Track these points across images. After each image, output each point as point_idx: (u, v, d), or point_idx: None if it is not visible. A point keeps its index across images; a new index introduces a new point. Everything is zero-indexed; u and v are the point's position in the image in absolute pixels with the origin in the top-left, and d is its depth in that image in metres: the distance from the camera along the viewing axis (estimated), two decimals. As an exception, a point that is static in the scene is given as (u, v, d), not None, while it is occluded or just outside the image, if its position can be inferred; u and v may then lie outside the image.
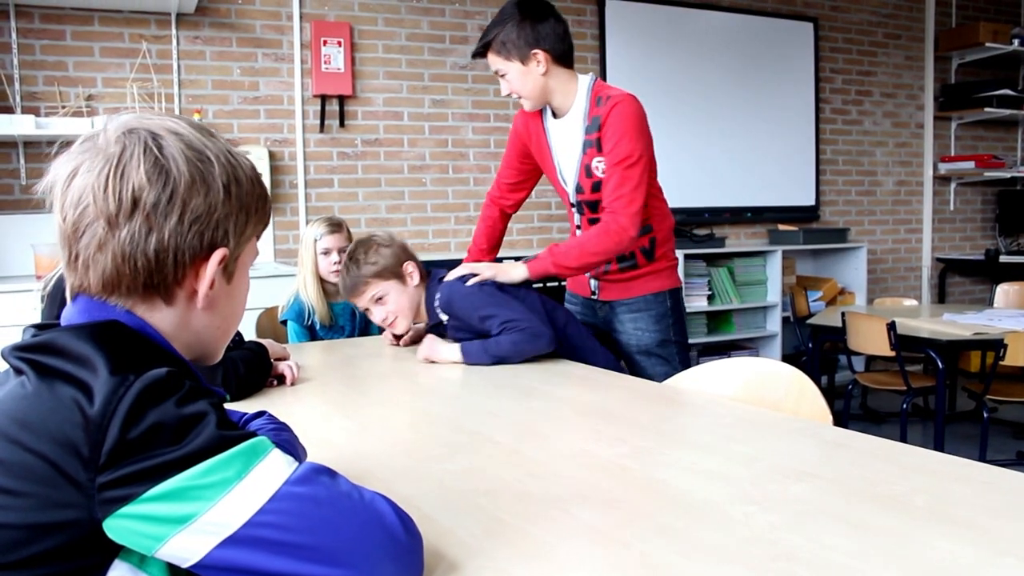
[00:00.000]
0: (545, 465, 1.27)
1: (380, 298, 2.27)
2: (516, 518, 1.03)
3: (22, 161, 3.81)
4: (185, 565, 0.75)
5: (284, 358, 2.02)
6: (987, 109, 6.04)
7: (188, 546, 0.73)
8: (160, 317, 0.87)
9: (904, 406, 3.83)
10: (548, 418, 1.59)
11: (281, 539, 0.74)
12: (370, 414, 1.68)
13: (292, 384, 1.91)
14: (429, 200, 4.66)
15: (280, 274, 3.77)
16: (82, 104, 3.91)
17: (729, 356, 3.38)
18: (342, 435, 1.50)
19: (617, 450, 1.33)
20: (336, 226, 2.98)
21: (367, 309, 2.32)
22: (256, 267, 3.97)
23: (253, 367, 1.84)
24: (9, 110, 3.78)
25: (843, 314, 3.86)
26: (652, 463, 1.27)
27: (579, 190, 2.47)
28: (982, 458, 3.75)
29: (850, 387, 4.30)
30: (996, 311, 4.26)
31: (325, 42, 4.35)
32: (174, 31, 4.09)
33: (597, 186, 2.40)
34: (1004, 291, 4.79)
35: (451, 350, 2.16)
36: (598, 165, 2.37)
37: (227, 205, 0.87)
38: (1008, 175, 6.29)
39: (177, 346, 0.88)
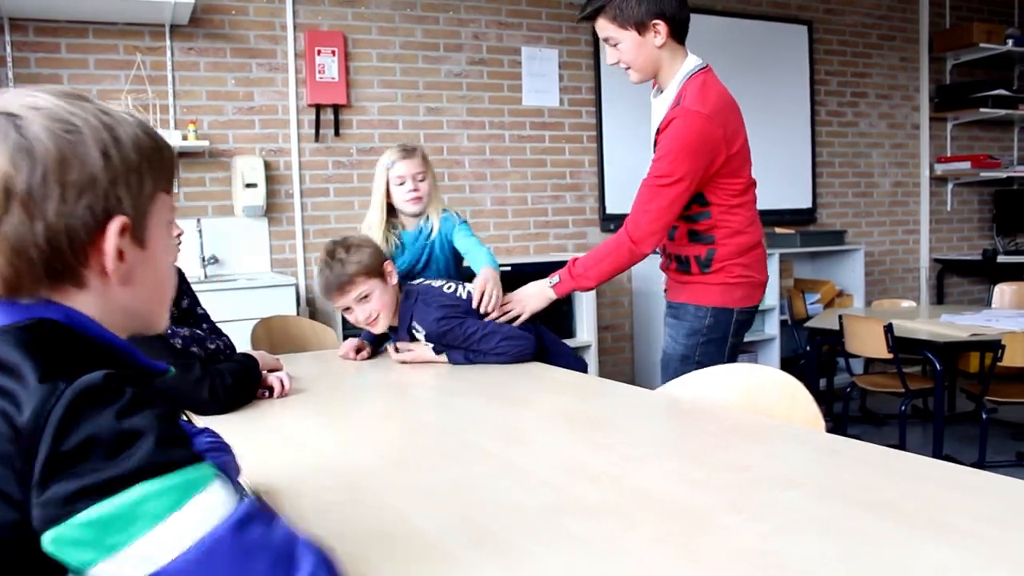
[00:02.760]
0: (535, 475, 1.27)
1: (365, 296, 2.28)
2: (506, 529, 1.03)
3: (17, 174, 3.81)
4: None
5: (276, 369, 2.01)
6: (982, 109, 6.04)
7: (116, 573, 0.68)
8: (79, 303, 0.80)
9: (902, 408, 3.83)
10: (539, 427, 1.58)
11: None
12: (361, 425, 1.68)
13: (283, 396, 1.91)
14: (425, 208, 4.66)
15: (277, 284, 3.76)
16: (77, 116, 3.91)
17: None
18: (333, 446, 1.50)
19: (607, 459, 1.33)
20: (409, 151, 2.72)
21: (347, 308, 2.30)
22: (252, 277, 3.97)
23: (242, 379, 1.83)
24: (4, 123, 3.77)
25: (840, 317, 3.85)
26: (642, 472, 1.26)
27: None
28: (981, 459, 3.75)
29: (848, 390, 4.29)
30: (994, 311, 4.26)
31: (319, 52, 4.35)
32: (168, 42, 4.09)
33: (701, 214, 2.33)
34: (1001, 291, 4.79)
35: (430, 350, 2.30)
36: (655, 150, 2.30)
37: (110, 170, 0.79)
38: (1004, 175, 6.29)
39: (110, 328, 0.82)
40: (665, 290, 2.54)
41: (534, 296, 2.35)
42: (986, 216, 6.61)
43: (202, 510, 0.70)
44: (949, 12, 6.34)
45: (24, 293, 0.78)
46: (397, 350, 2.34)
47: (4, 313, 0.78)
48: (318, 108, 4.38)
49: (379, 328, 2.34)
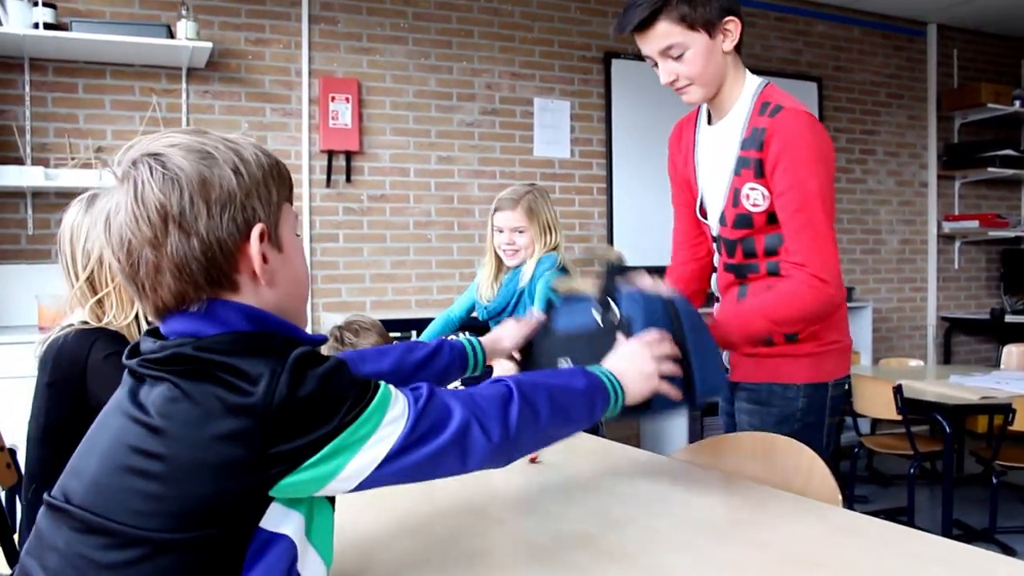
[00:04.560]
0: (551, 551, 1.24)
1: None
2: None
3: (30, 211, 3.83)
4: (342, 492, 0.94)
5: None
6: (990, 169, 6.07)
7: (337, 487, 0.92)
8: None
9: (911, 471, 3.79)
10: (555, 495, 1.56)
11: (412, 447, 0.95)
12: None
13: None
14: (434, 256, 4.67)
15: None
16: (91, 156, 3.94)
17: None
18: (344, 509, 1.47)
19: (625, 534, 1.30)
20: (512, 202, 2.69)
21: None
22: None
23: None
24: (19, 161, 3.80)
25: (848, 376, 3.82)
26: (661, 549, 1.24)
27: (722, 221, 1.93)
28: (992, 525, 3.70)
29: (856, 449, 4.25)
30: (1003, 373, 4.23)
31: (333, 98, 4.39)
32: (184, 85, 4.13)
33: (744, 221, 1.88)
34: (1009, 352, 4.76)
35: None
36: (750, 194, 1.83)
37: (243, 186, 0.93)
38: (1012, 234, 6.30)
39: None
40: (726, 369, 2.00)
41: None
42: (994, 275, 6.60)
43: (388, 424, 0.93)
44: (957, 72, 6.40)
45: (191, 302, 0.93)
46: None
47: (195, 323, 0.93)
48: (330, 154, 4.41)
49: None
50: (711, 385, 1.45)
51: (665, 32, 1.78)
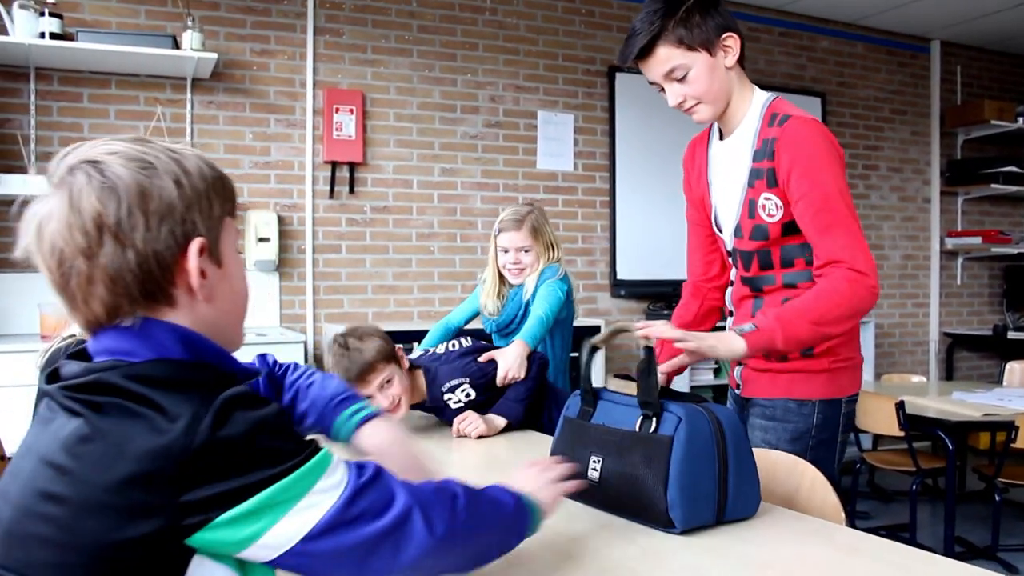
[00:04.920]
0: (549, 566, 1.23)
1: (388, 381, 2.21)
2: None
3: (33, 221, 3.83)
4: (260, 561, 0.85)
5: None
6: (993, 185, 6.07)
7: (257, 554, 0.84)
8: (174, 321, 0.91)
9: (913, 488, 3.77)
10: (559, 512, 1.55)
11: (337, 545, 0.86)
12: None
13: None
14: (436, 268, 4.67)
15: (286, 340, 3.75)
16: (95, 166, 3.94)
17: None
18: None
19: (627, 552, 1.29)
20: (517, 222, 2.74)
21: (370, 396, 2.19)
22: (262, 332, 3.96)
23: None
24: (23, 170, 3.81)
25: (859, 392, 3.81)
26: (662, 567, 1.23)
27: (738, 233, 1.94)
28: (995, 543, 3.69)
29: (858, 465, 4.24)
30: (1005, 390, 4.22)
31: (337, 109, 4.40)
32: (189, 95, 4.14)
33: (760, 233, 1.88)
34: (1012, 369, 4.75)
35: (493, 419, 2.26)
36: (765, 203, 1.85)
37: (184, 198, 0.90)
38: (1015, 251, 6.29)
39: None
40: (737, 385, 2.07)
41: (719, 345, 1.77)
42: (996, 291, 6.59)
43: (322, 492, 0.85)
44: (960, 88, 6.41)
45: (125, 315, 0.88)
46: (459, 431, 2.25)
47: (127, 341, 0.88)
48: (334, 165, 4.42)
49: (401, 412, 2.26)
50: (743, 509, 1.44)
51: (665, 56, 1.83)
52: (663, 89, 1.92)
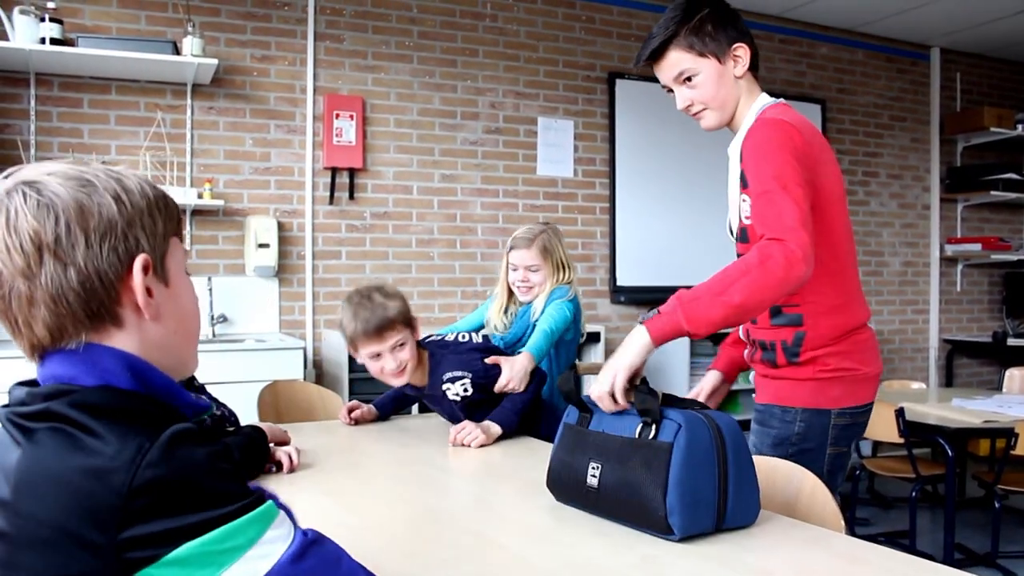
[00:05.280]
0: (553, 575, 1.23)
1: (401, 344, 2.22)
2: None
3: (32, 226, 3.83)
4: None
5: (284, 442, 1.99)
6: (993, 192, 6.08)
7: None
8: (120, 342, 0.88)
9: (913, 494, 3.77)
10: (555, 519, 1.55)
11: None
12: (371, 508, 1.65)
13: (291, 471, 1.88)
14: (436, 274, 4.67)
15: (285, 346, 3.74)
16: (95, 171, 3.94)
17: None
18: (341, 532, 1.46)
19: (625, 559, 1.29)
20: (528, 240, 2.77)
21: (377, 356, 2.20)
22: (261, 338, 3.96)
23: (249, 453, 1.80)
24: (22, 176, 3.80)
25: (865, 406, 3.80)
26: (662, 574, 1.23)
27: (733, 235, 2.00)
28: (994, 550, 3.68)
29: (857, 472, 4.23)
30: (1005, 397, 4.22)
31: (337, 115, 4.40)
32: (189, 101, 4.15)
33: (743, 235, 1.91)
34: (1011, 376, 4.75)
35: (490, 427, 2.23)
36: (742, 205, 1.88)
37: (125, 214, 0.88)
38: (1015, 258, 6.30)
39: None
40: (754, 391, 2.08)
41: (620, 353, 1.61)
42: (996, 298, 6.59)
43: (270, 543, 0.81)
44: (960, 95, 6.41)
45: (70, 337, 0.86)
46: (457, 440, 2.23)
47: (72, 366, 0.85)
48: (334, 171, 4.42)
49: (403, 380, 2.27)
50: (743, 517, 1.44)
51: (676, 60, 1.89)
52: (672, 92, 1.97)
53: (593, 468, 1.50)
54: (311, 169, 4.39)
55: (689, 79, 1.90)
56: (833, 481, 1.92)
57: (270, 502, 0.84)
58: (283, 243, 4.30)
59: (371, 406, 2.59)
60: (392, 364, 2.21)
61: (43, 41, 3.61)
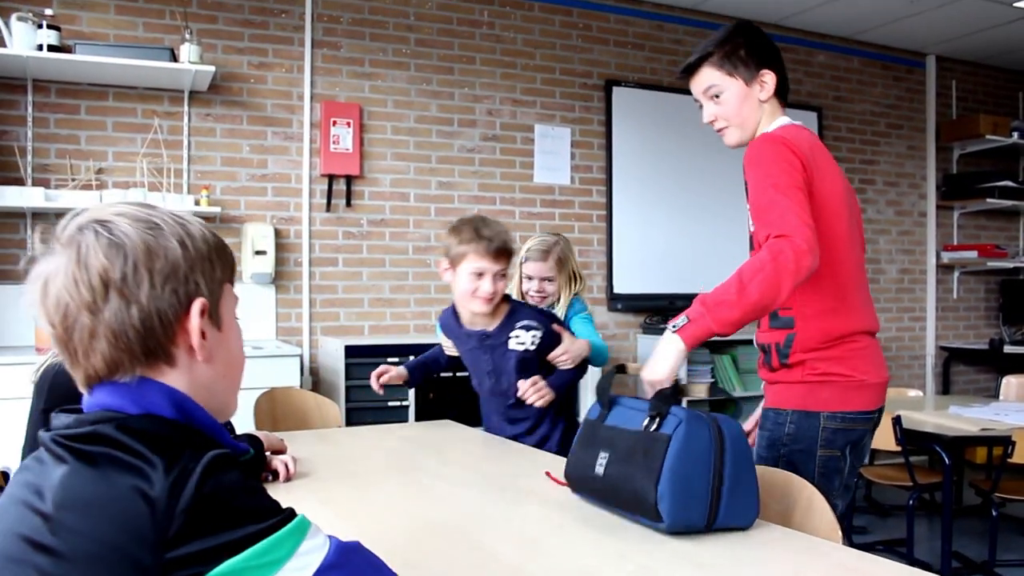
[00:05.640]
0: (547, 584, 1.23)
1: (503, 275, 2.35)
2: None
3: (29, 232, 3.83)
4: None
5: (281, 451, 1.98)
6: (989, 200, 6.09)
7: None
8: (172, 379, 0.92)
9: (910, 502, 3.76)
10: (550, 528, 1.54)
11: None
12: (367, 519, 1.64)
13: (287, 480, 1.87)
14: (433, 281, 4.66)
15: (282, 354, 3.74)
16: (92, 177, 3.95)
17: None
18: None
19: (622, 568, 1.29)
20: (543, 253, 2.86)
21: (481, 274, 2.31)
22: (258, 345, 3.95)
23: (246, 463, 1.80)
24: (20, 182, 3.81)
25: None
26: (658, 585, 1.23)
27: (750, 246, 2.05)
28: (992, 558, 3.67)
29: (855, 479, 4.22)
30: (1002, 404, 4.21)
31: (335, 122, 4.41)
32: (186, 108, 4.15)
33: (751, 244, 1.98)
34: (1008, 383, 4.74)
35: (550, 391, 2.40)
36: (749, 216, 1.95)
37: (188, 259, 0.92)
38: (1011, 265, 6.31)
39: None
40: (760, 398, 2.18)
41: (656, 356, 1.73)
42: (992, 305, 6.60)
43: (307, 553, 0.84)
44: (956, 103, 6.43)
45: (124, 371, 0.90)
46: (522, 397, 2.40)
47: (120, 397, 0.89)
48: (331, 178, 4.42)
49: (487, 308, 2.36)
50: (735, 519, 1.48)
51: (707, 76, 2.05)
52: (702, 106, 2.11)
53: (602, 458, 1.60)
54: (308, 176, 4.39)
55: (717, 96, 2.05)
56: (829, 484, 1.94)
57: (302, 515, 0.87)
58: (280, 250, 4.30)
59: (401, 368, 2.65)
60: (489, 287, 2.31)
61: (41, 48, 3.61)
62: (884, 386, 2.02)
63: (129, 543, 0.78)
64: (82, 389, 0.93)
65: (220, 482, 0.82)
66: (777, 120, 2.04)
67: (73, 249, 0.89)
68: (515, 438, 2.45)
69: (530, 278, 2.87)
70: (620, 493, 1.53)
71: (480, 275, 2.31)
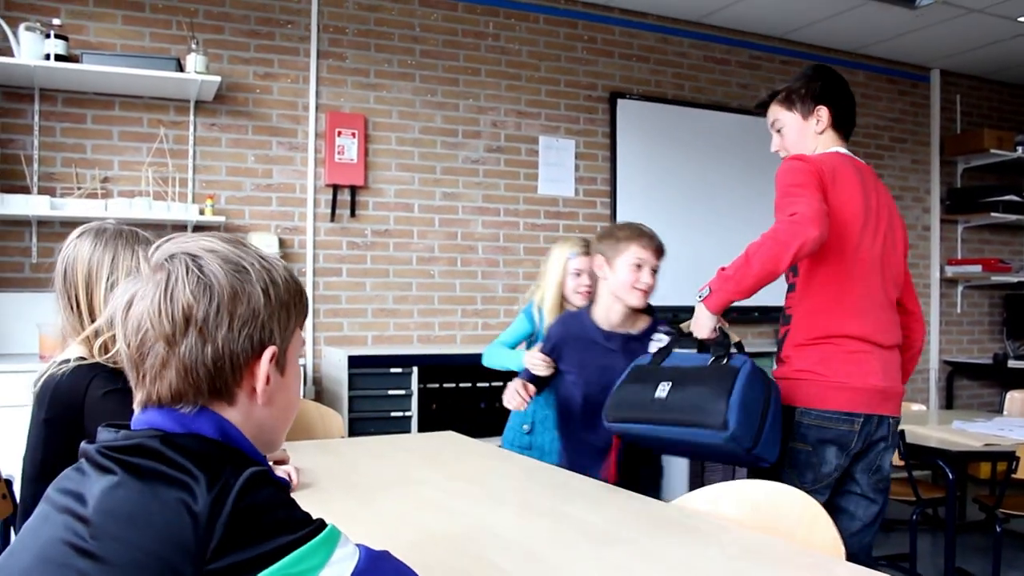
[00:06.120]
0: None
1: (655, 272, 2.57)
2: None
3: (34, 240, 3.84)
4: None
5: (283, 461, 1.98)
6: (993, 214, 6.09)
7: None
8: (228, 415, 0.95)
9: (913, 517, 3.75)
10: (552, 541, 1.54)
11: None
12: (370, 531, 1.64)
13: (291, 491, 1.87)
14: (436, 292, 4.67)
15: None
16: (98, 186, 3.96)
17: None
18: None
19: (624, 584, 1.29)
20: (586, 245, 3.00)
21: (639, 266, 2.49)
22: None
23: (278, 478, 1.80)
24: (26, 190, 3.82)
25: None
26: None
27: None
28: (995, 574, 3.66)
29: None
30: (1006, 419, 4.20)
31: (339, 133, 4.42)
32: (192, 117, 4.16)
33: (791, 286, 2.26)
34: (1012, 398, 4.73)
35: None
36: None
37: (269, 307, 0.95)
38: (1015, 279, 6.30)
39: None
40: None
41: (696, 316, 2.16)
42: (996, 320, 6.59)
43: (339, 562, 0.88)
44: (960, 118, 6.44)
45: (186, 403, 0.92)
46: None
47: (169, 419, 0.92)
48: (335, 188, 4.43)
49: (643, 301, 2.52)
50: (766, 451, 1.94)
51: (773, 111, 2.40)
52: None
53: (663, 386, 1.98)
54: (312, 186, 4.40)
55: (779, 129, 2.38)
56: (801, 478, 2.11)
57: (332, 525, 0.90)
58: (284, 260, 4.28)
59: (527, 383, 2.56)
60: (648, 279, 2.50)
61: (48, 57, 3.63)
62: (874, 392, 2.15)
63: (172, 554, 0.81)
64: (136, 406, 0.95)
65: (256, 497, 0.85)
66: (828, 149, 2.30)
67: (163, 276, 0.91)
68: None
69: (578, 273, 2.96)
70: (685, 410, 1.91)
71: (639, 267, 2.47)
